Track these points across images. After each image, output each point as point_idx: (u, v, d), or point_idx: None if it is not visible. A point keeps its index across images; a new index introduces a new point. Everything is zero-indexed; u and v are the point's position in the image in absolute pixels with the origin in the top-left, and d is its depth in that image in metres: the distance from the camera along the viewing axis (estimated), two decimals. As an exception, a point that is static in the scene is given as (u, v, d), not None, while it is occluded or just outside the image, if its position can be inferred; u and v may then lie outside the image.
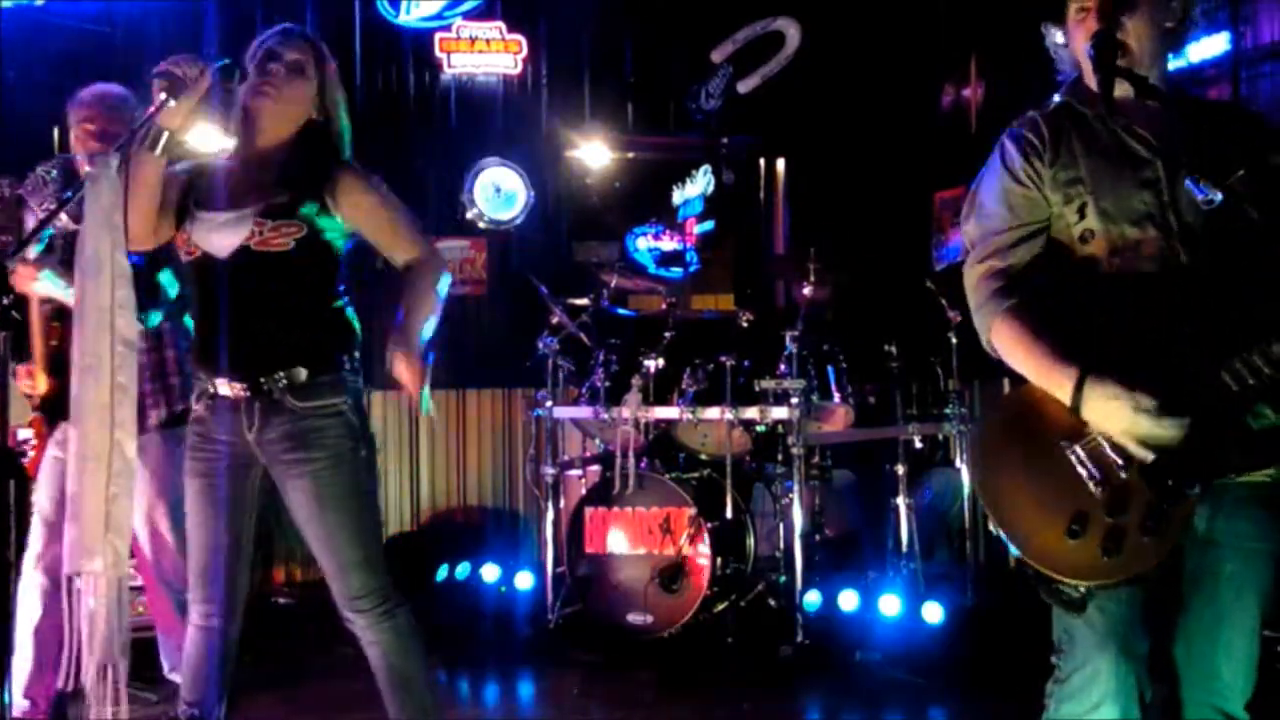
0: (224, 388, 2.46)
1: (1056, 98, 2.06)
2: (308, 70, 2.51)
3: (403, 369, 2.38)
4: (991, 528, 1.91)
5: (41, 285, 2.98)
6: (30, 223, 3.04)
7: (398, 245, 2.57)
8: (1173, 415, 1.74)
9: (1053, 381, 1.86)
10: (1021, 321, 1.93)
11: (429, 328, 2.47)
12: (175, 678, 3.42)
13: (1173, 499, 1.77)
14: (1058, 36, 2.05)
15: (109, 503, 1.96)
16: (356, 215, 2.50)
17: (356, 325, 2.56)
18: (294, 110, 2.52)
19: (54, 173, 2.97)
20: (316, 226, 2.45)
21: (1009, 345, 1.95)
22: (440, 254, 2.62)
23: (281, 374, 2.42)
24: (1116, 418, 1.77)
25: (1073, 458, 1.85)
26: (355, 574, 2.48)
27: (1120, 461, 1.81)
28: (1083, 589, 1.81)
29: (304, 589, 5.68)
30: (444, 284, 2.55)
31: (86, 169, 2.10)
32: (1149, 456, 1.77)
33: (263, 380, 2.43)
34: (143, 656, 3.41)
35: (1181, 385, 1.76)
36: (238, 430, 2.47)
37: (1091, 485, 1.82)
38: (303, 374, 2.44)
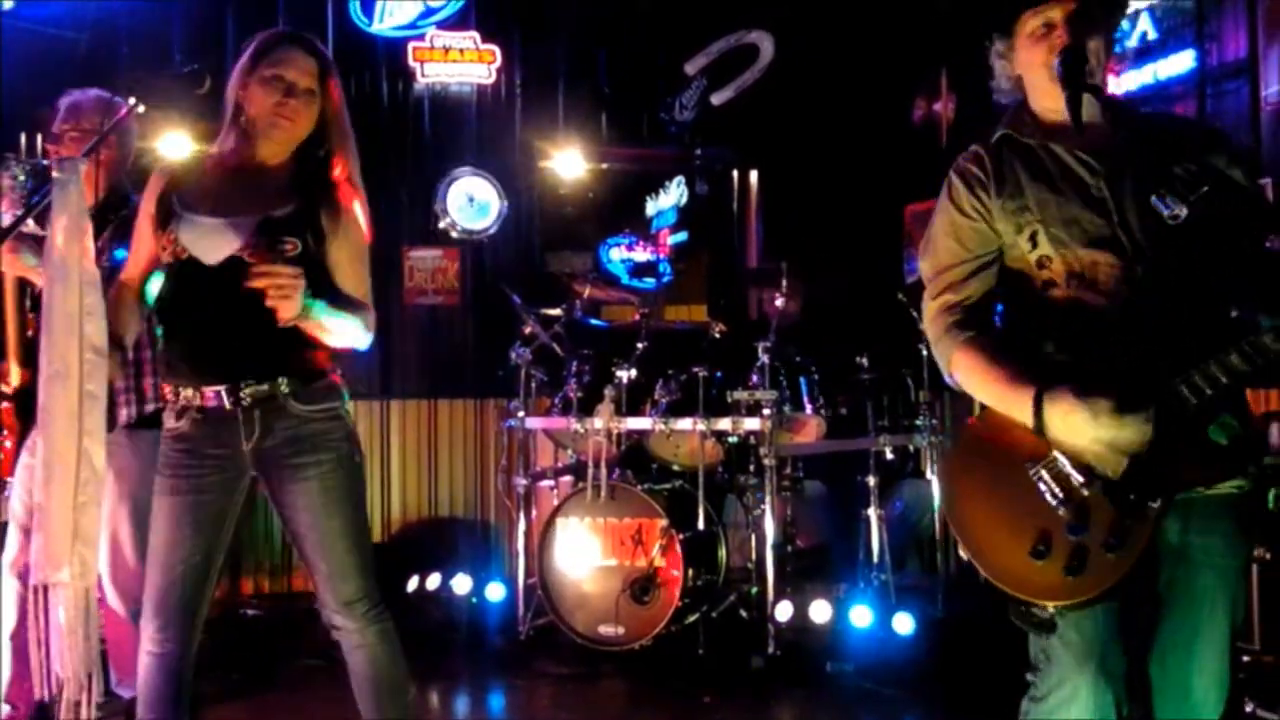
0: (213, 399, 2.37)
1: (999, 129, 2.05)
2: (317, 91, 2.45)
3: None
4: (962, 553, 1.92)
5: (21, 265, 2.92)
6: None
7: (354, 280, 2.47)
8: (1132, 412, 1.74)
9: (1013, 406, 1.87)
10: (979, 351, 1.95)
11: (334, 318, 2.37)
12: (122, 691, 3.36)
13: (1134, 513, 1.77)
14: (1000, 47, 2.03)
15: (77, 512, 1.93)
16: (334, 231, 2.43)
17: None
18: (305, 131, 2.47)
19: (22, 177, 2.92)
20: (312, 241, 2.39)
21: (968, 376, 1.98)
22: (373, 313, 2.52)
23: (282, 379, 2.38)
24: (1079, 430, 1.77)
25: (1035, 479, 1.85)
26: (352, 578, 2.46)
27: (1081, 479, 1.81)
28: (1051, 609, 1.81)
29: (272, 600, 5.63)
30: (364, 334, 2.46)
31: (55, 174, 2.06)
32: (1123, 465, 1.76)
33: (264, 386, 2.36)
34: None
35: (1139, 392, 1.76)
36: (232, 442, 2.39)
37: (1054, 505, 1.82)
38: (300, 379, 2.40)
